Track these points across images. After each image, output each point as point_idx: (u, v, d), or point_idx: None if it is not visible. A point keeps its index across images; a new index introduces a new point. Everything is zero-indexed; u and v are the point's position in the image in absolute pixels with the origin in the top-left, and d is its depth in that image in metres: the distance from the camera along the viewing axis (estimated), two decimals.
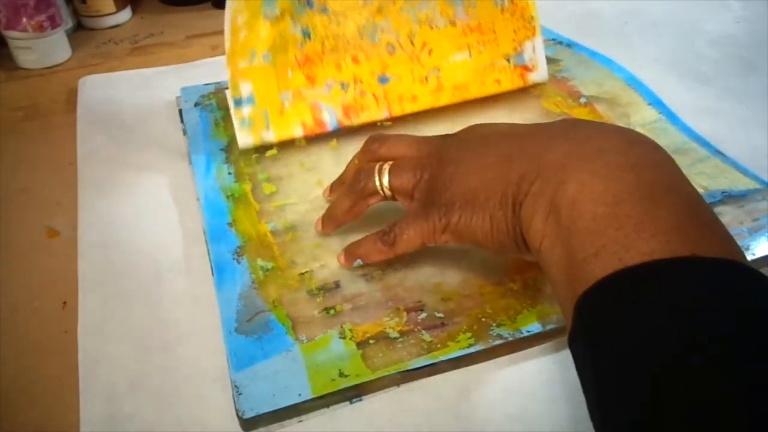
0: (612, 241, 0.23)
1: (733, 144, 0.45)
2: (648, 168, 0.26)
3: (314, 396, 0.30)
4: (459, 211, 0.31)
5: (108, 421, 0.30)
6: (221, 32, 0.44)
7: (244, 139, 0.44)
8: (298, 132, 0.45)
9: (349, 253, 0.36)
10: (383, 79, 0.46)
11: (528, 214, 0.28)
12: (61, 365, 0.33)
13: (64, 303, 0.36)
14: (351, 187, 0.36)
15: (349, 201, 0.36)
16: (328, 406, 0.30)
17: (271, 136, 0.45)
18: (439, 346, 0.32)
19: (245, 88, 0.44)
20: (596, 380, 0.22)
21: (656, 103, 0.50)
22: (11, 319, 0.35)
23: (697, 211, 0.24)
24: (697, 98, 0.52)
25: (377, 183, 0.35)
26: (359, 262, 0.35)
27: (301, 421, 0.30)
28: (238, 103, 0.44)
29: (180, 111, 0.51)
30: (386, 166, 0.35)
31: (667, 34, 0.62)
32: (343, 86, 0.46)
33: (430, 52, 0.47)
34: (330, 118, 0.46)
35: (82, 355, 0.33)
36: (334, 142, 0.46)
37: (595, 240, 0.24)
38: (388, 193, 0.35)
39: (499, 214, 0.29)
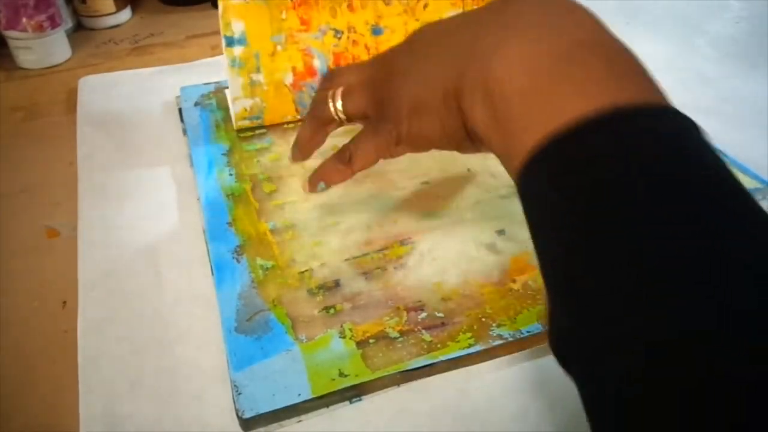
0: (537, 111, 0.24)
1: (733, 144, 0.45)
2: (567, 28, 0.25)
3: (314, 396, 0.30)
4: (407, 120, 0.31)
5: (108, 421, 0.30)
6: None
7: (235, 79, 0.45)
8: (288, 78, 0.46)
9: (311, 179, 0.36)
10: (376, 31, 0.47)
11: (468, 105, 0.28)
12: (61, 365, 0.33)
13: (64, 303, 0.36)
14: (309, 116, 0.37)
15: (309, 129, 0.37)
16: (327, 406, 0.30)
17: (261, 78, 0.45)
18: (439, 346, 0.32)
19: (237, 27, 0.44)
20: (536, 249, 0.23)
21: None
22: (11, 319, 0.35)
23: (617, 60, 0.24)
24: (697, 98, 0.52)
25: (332, 108, 0.35)
26: (322, 185, 0.35)
27: (300, 421, 0.30)
28: (230, 42, 0.44)
29: (180, 110, 0.51)
30: (338, 92, 0.35)
31: (668, 34, 0.62)
32: (337, 33, 0.46)
33: (425, 6, 0.47)
34: (321, 65, 0.46)
35: (82, 355, 0.33)
36: (335, 146, 0.46)
37: (524, 113, 0.24)
38: (343, 117, 0.35)
39: (445, 113, 0.29)
